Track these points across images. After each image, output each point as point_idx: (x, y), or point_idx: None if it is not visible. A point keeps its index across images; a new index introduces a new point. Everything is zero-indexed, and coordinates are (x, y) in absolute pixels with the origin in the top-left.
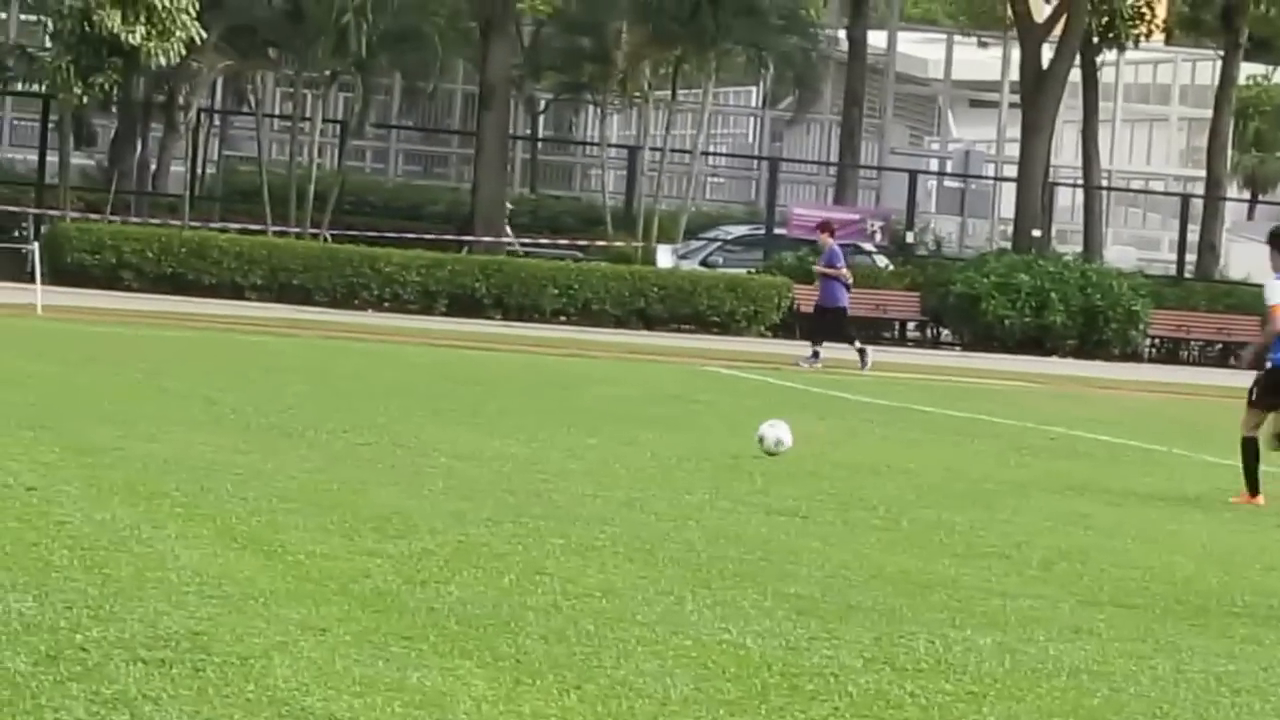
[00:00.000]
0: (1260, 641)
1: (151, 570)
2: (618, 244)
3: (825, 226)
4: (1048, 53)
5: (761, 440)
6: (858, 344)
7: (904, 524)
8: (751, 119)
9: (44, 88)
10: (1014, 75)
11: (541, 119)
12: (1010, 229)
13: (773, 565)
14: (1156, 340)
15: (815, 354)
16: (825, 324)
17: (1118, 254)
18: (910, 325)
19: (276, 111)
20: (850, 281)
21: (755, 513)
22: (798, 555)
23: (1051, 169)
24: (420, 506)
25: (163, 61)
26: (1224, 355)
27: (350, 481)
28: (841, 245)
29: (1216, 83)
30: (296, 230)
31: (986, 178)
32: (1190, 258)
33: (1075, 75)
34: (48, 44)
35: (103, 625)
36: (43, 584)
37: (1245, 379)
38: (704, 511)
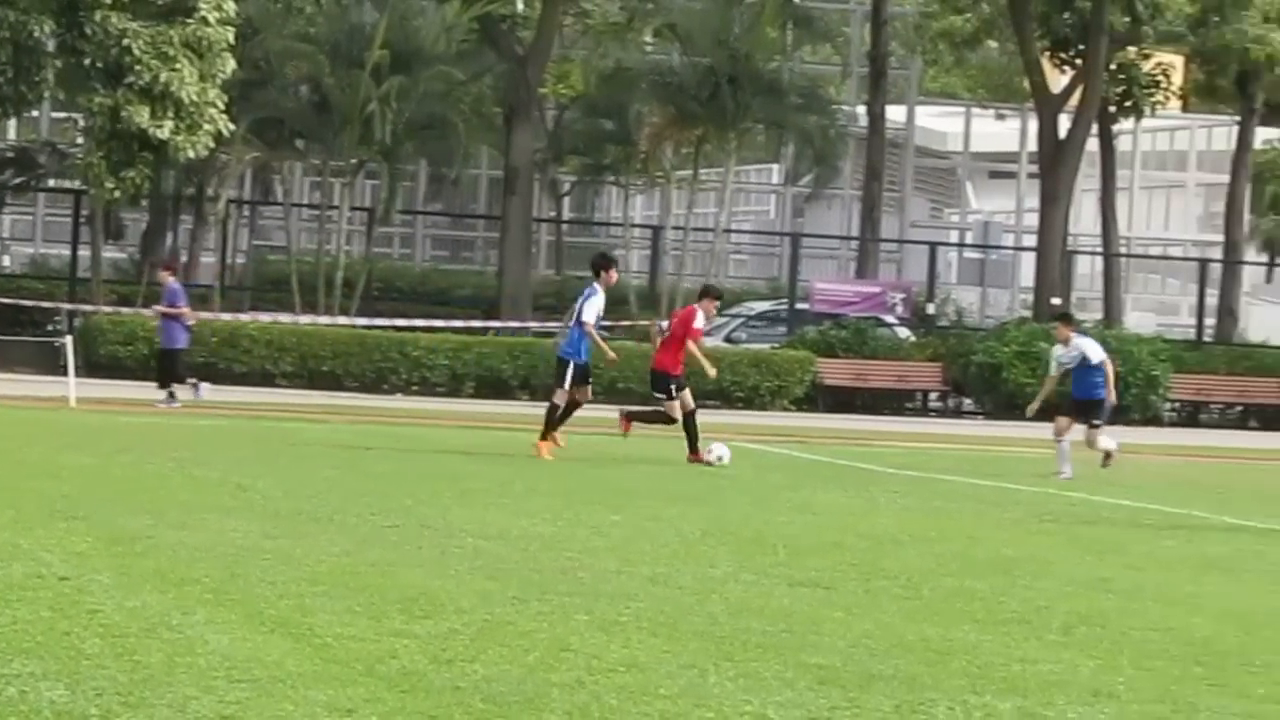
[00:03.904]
0: (1279, 700)
1: (181, 656)
2: (642, 323)
3: (168, 266)
4: (1065, 122)
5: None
6: (190, 380)
7: (925, 592)
8: (773, 196)
9: (76, 183)
10: (1032, 146)
11: (566, 201)
12: (1030, 298)
13: (795, 636)
14: (1177, 404)
15: (171, 395)
16: (164, 365)
17: (1137, 320)
18: (933, 395)
19: (304, 201)
20: (192, 323)
21: (778, 585)
22: (820, 626)
23: (1070, 237)
24: (446, 586)
25: (191, 155)
26: (1244, 418)
27: (378, 564)
28: (863, 318)
29: (1233, 148)
30: (326, 319)
31: (1006, 248)
32: (1209, 322)
33: (1093, 144)
34: (79, 140)
35: (132, 711)
36: (74, 672)
37: (1263, 441)
38: (727, 585)
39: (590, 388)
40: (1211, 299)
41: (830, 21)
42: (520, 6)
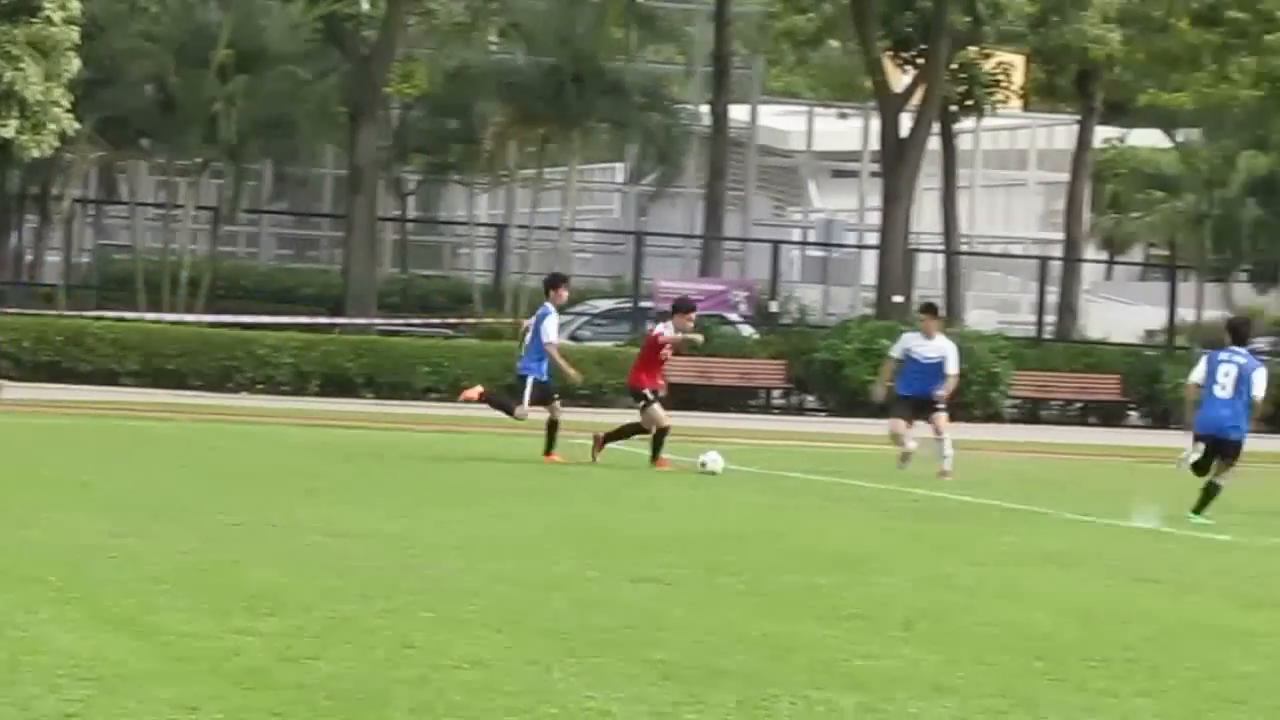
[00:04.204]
0: (1117, 694)
1: (25, 655)
2: (487, 320)
3: None
4: (907, 122)
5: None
6: None
7: (768, 588)
8: (617, 194)
9: None
10: (874, 145)
11: (410, 200)
12: (873, 296)
13: (639, 632)
14: (1018, 401)
15: None
16: None
17: (979, 317)
18: (776, 393)
19: (150, 200)
20: None
21: (622, 581)
22: (663, 622)
23: (912, 236)
24: (292, 584)
25: (36, 154)
26: (1084, 414)
27: (223, 562)
28: (707, 316)
29: (1073, 147)
30: (171, 318)
31: (848, 246)
32: (1050, 319)
33: (934, 143)
34: None
35: None
36: None
37: (1103, 437)
38: (572, 581)
39: (558, 403)
40: (1052, 296)
41: (673, 21)
42: (365, 6)
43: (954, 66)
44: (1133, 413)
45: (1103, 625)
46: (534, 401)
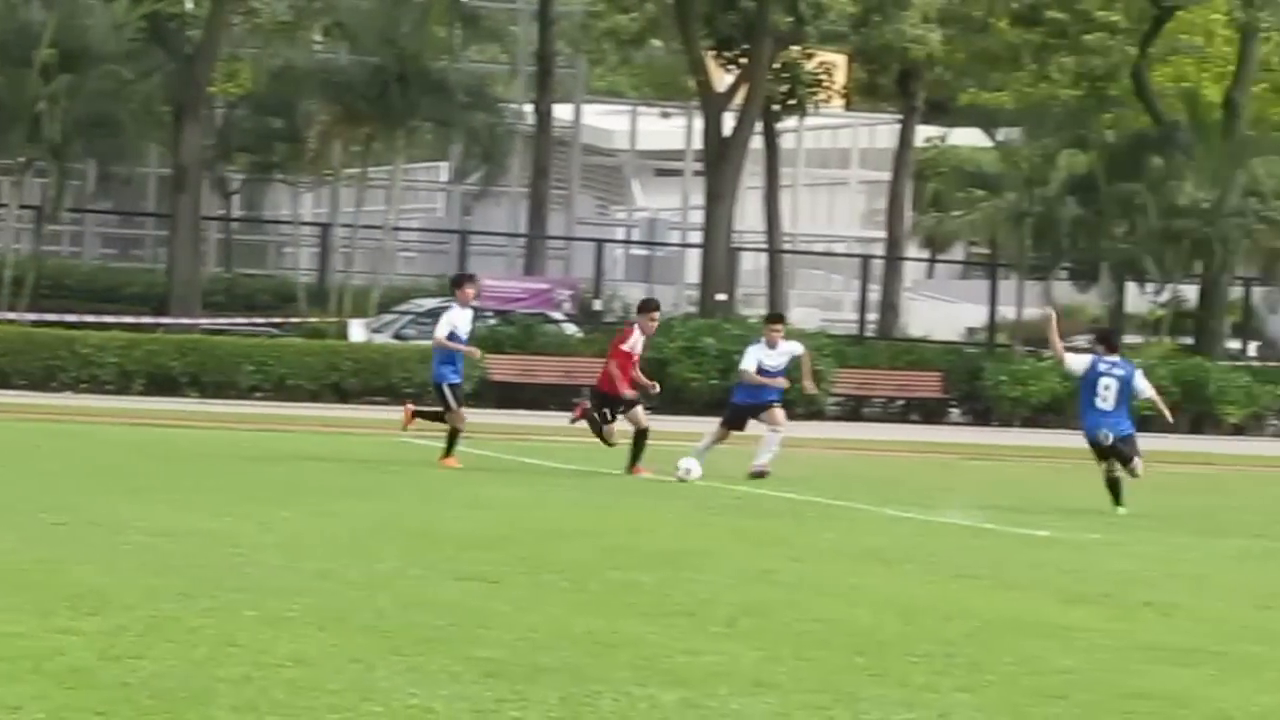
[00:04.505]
0: (937, 689)
1: None
2: (311, 320)
3: None
4: (730, 121)
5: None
6: None
7: (592, 585)
8: (441, 193)
9: None
10: (697, 144)
11: (235, 199)
12: (696, 294)
13: (462, 630)
14: (840, 398)
15: None
16: None
17: (802, 315)
18: None
19: None
20: None
21: (446, 579)
22: (487, 619)
23: (735, 234)
24: (114, 583)
25: None
26: (905, 411)
27: (45, 561)
28: (531, 314)
29: (895, 146)
30: None
31: (672, 245)
32: (872, 317)
33: (757, 142)
34: None
35: None
36: None
37: (924, 434)
38: (395, 579)
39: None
40: (874, 294)
41: (497, 20)
42: (189, 5)
43: (776, 66)
44: (954, 410)
45: (923, 621)
46: (460, 402)
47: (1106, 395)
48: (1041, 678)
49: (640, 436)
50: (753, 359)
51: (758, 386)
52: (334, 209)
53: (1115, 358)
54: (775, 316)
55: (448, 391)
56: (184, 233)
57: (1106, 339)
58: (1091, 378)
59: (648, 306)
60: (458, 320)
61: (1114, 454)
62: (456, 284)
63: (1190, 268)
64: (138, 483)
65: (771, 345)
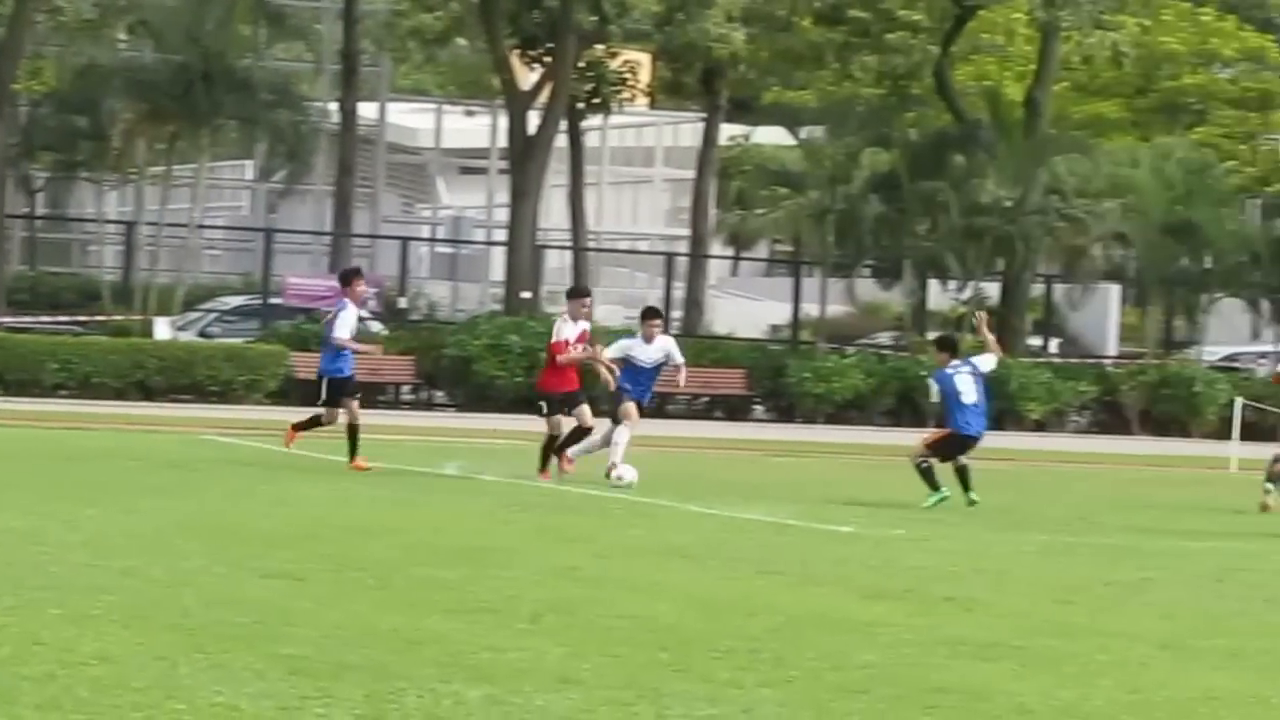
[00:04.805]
0: (741, 685)
1: None
2: (116, 318)
3: None
4: (534, 119)
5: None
6: None
7: (396, 582)
8: (247, 191)
9: None
10: (502, 142)
11: (39, 197)
12: (501, 291)
13: (267, 627)
14: None
15: None
16: None
17: (606, 312)
18: (405, 388)
19: None
20: None
21: (251, 576)
22: (292, 617)
23: (540, 232)
24: None
25: None
26: (710, 408)
27: None
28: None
29: (699, 144)
30: None
31: (477, 243)
32: (676, 314)
33: (562, 140)
34: None
35: None
36: None
37: (728, 431)
38: (200, 577)
39: (356, 405)
40: (678, 292)
41: (302, 19)
42: None
43: (581, 65)
44: (758, 406)
45: (727, 617)
46: (329, 402)
47: (967, 389)
48: (844, 673)
49: (578, 433)
50: (622, 350)
51: (633, 383)
52: (139, 207)
53: (957, 360)
54: (652, 311)
55: (326, 386)
56: None
57: (950, 344)
58: (949, 387)
59: (578, 293)
60: (353, 320)
61: (968, 447)
62: (346, 281)
63: (992, 265)
64: None
65: (648, 340)
